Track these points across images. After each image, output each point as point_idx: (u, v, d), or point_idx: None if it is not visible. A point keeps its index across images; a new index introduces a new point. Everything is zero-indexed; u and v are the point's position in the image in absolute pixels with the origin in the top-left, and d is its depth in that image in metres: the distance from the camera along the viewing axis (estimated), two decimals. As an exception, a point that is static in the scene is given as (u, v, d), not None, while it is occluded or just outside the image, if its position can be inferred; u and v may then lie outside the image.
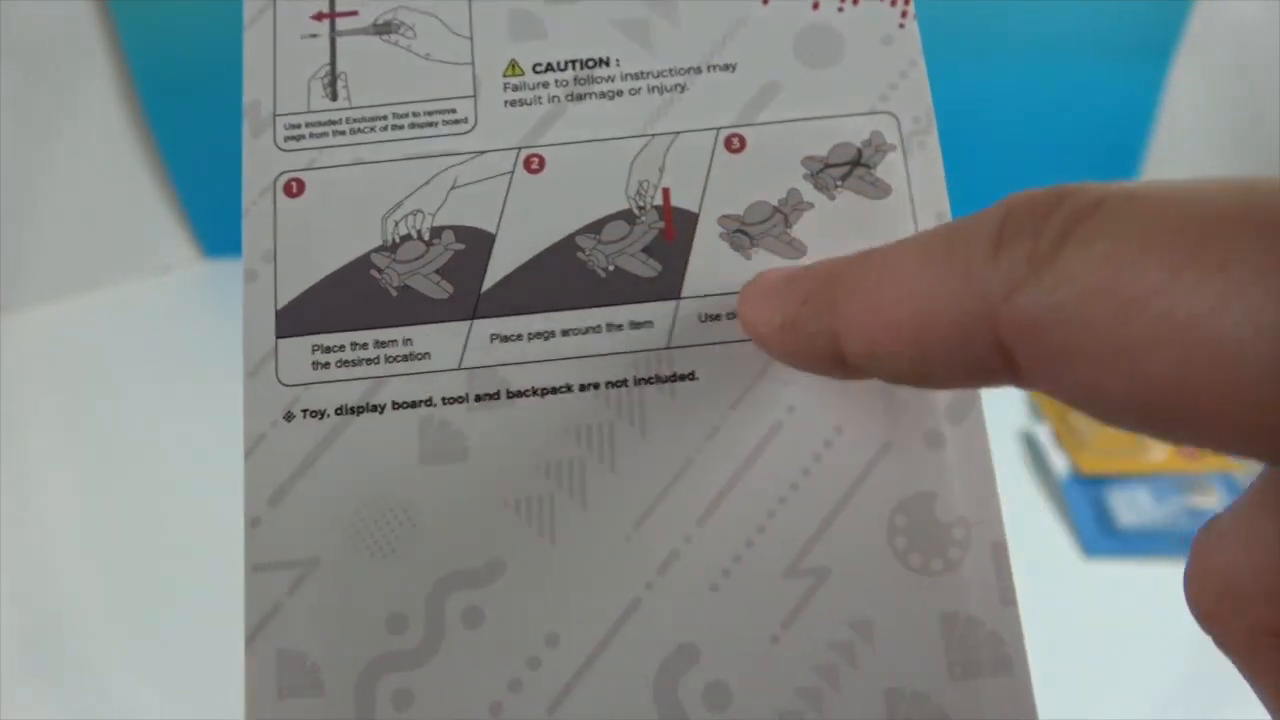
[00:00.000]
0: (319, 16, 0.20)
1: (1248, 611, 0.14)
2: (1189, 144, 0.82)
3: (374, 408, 0.18)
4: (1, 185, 0.60)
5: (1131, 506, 0.54)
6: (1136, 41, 0.76)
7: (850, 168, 0.19)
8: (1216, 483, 0.55)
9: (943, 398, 0.18)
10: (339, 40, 0.20)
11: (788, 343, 0.16)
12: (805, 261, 0.19)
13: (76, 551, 0.52)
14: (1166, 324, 0.10)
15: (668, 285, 0.19)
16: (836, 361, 0.15)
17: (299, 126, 0.19)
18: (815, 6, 0.20)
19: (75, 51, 0.63)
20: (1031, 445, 0.60)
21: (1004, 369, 0.13)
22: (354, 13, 0.20)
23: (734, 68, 0.20)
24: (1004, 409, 0.62)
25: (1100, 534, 0.54)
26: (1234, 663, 0.14)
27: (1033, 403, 0.63)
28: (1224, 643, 0.14)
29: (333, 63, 0.20)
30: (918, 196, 0.19)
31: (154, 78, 0.69)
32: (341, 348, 0.18)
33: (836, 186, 0.19)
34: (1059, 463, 0.58)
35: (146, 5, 0.67)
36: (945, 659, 0.17)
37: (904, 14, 0.20)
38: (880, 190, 0.19)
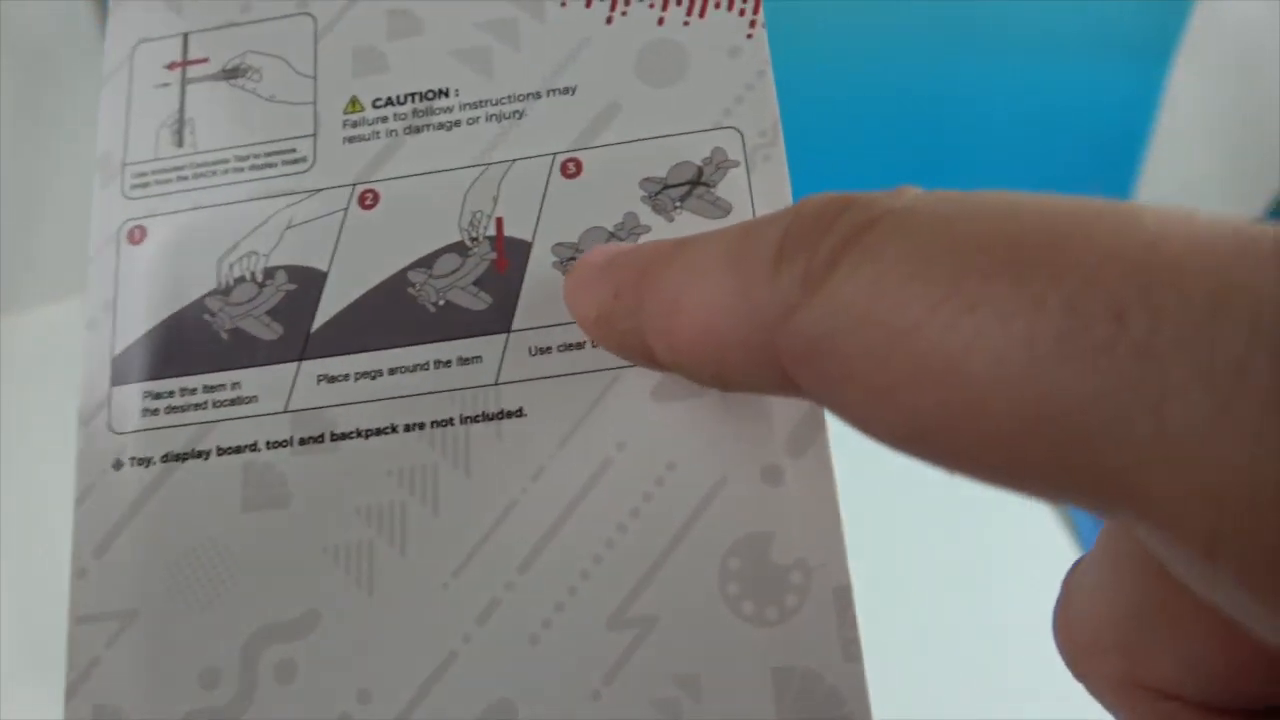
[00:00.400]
0: (172, 66, 0.20)
1: (1108, 661, 0.13)
2: (1189, 144, 0.80)
3: (199, 454, 0.18)
4: (1, 185, 0.62)
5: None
6: (1136, 41, 0.76)
7: (690, 187, 0.18)
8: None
9: (782, 428, 0.17)
10: (189, 87, 0.20)
11: (603, 337, 0.16)
12: None
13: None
14: (925, 363, 0.10)
15: (498, 318, 0.18)
16: (650, 359, 0.14)
17: (145, 174, 0.20)
18: (660, 22, 0.19)
19: (75, 51, 0.64)
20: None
21: (792, 390, 0.12)
22: (205, 60, 0.20)
23: (574, 90, 0.19)
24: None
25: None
26: (1106, 711, 0.13)
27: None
28: (1092, 691, 0.13)
29: (181, 110, 0.20)
30: (761, 212, 0.18)
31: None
32: (172, 394, 0.18)
33: (675, 208, 0.18)
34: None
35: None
36: (777, 719, 0.16)
37: (752, 24, 0.19)
38: (720, 209, 0.18)
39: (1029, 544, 0.53)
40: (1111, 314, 0.09)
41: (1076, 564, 0.14)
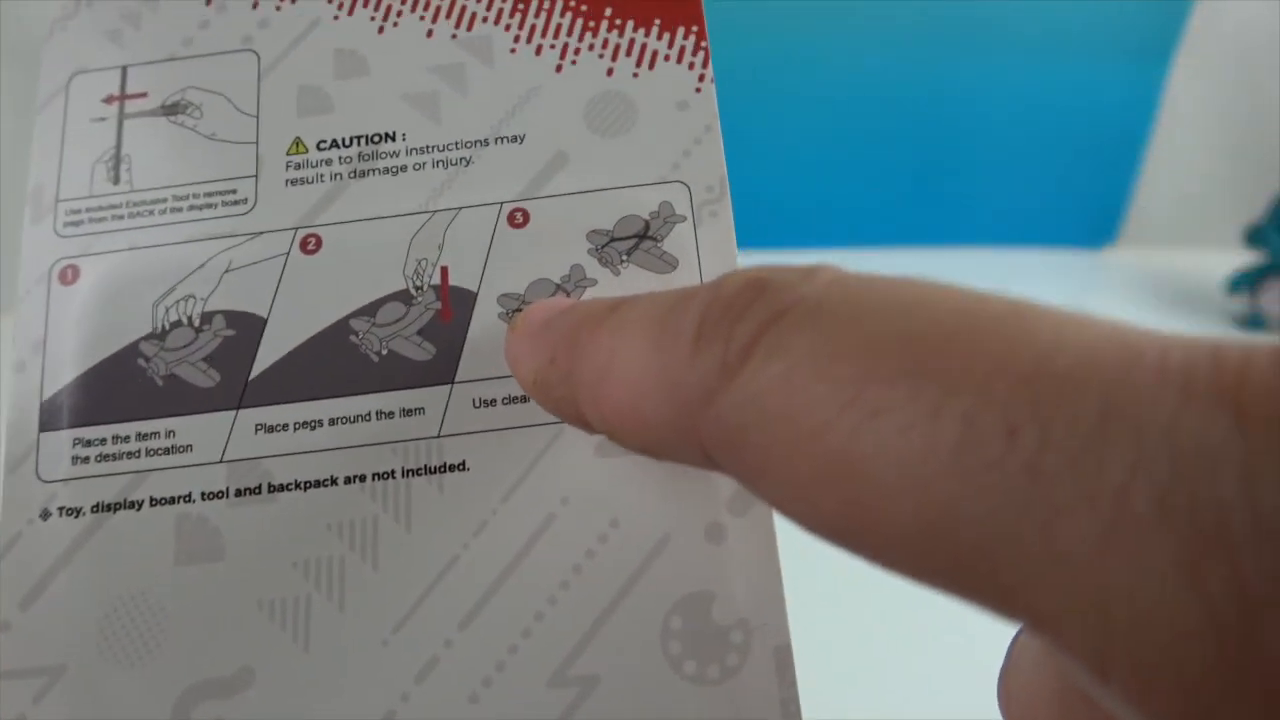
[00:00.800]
0: (109, 100, 0.20)
1: None
2: (1189, 144, 0.82)
3: (132, 504, 0.17)
4: (1, 185, 0.61)
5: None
6: (1136, 41, 0.77)
7: (637, 240, 0.18)
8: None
9: (726, 486, 0.17)
10: (126, 122, 0.20)
11: (540, 399, 0.15)
12: None
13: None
14: (833, 464, 0.10)
15: (442, 369, 0.18)
16: (585, 424, 0.14)
17: (79, 212, 0.19)
18: (609, 73, 0.19)
19: None
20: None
21: (716, 467, 0.12)
22: (143, 94, 0.20)
23: (522, 139, 0.19)
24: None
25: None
26: None
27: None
28: None
29: (118, 146, 0.19)
30: (707, 269, 0.18)
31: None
32: (103, 441, 0.18)
33: (622, 261, 0.18)
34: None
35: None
36: None
37: (701, 77, 0.19)
38: (667, 264, 0.18)
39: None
40: (1004, 430, 0.09)
41: (1015, 638, 0.14)
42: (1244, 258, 0.78)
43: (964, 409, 0.09)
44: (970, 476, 0.09)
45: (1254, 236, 0.77)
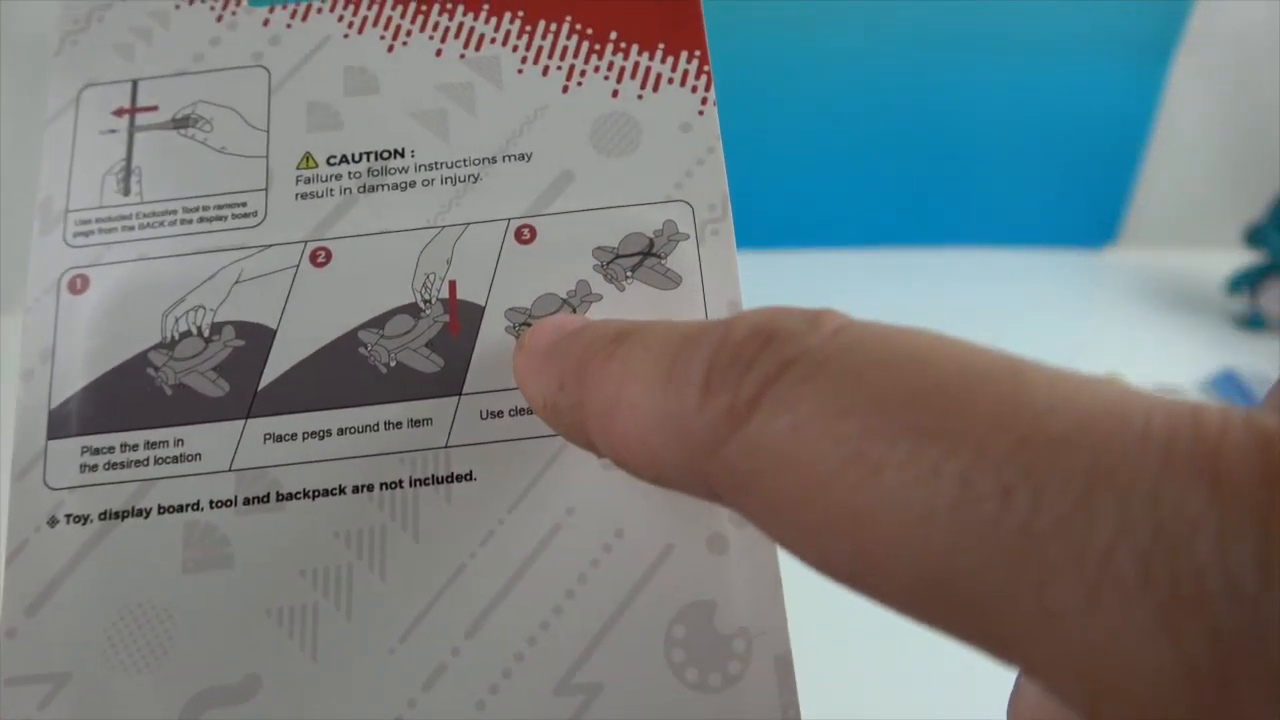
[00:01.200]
0: (119, 112, 0.20)
1: None
2: (1189, 144, 0.82)
3: (139, 512, 0.18)
4: (1, 185, 0.61)
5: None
6: (1136, 41, 0.77)
7: (641, 258, 0.18)
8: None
9: None
10: (137, 135, 0.20)
11: (550, 422, 0.16)
12: None
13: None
14: (839, 514, 0.10)
15: (449, 381, 0.18)
16: (594, 450, 0.15)
17: (89, 222, 0.19)
18: (615, 94, 0.19)
19: None
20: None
21: (725, 504, 0.12)
22: (154, 108, 0.20)
23: (529, 157, 0.19)
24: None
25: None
26: None
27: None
28: None
29: (128, 158, 0.20)
30: (709, 286, 0.18)
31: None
32: (111, 449, 0.18)
33: (627, 278, 0.18)
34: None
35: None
36: None
37: (704, 100, 0.19)
38: (671, 280, 0.18)
39: None
40: (1000, 490, 0.09)
41: None
42: (1244, 258, 0.78)
43: (961, 469, 0.09)
44: (967, 533, 0.09)
45: (1254, 236, 0.78)
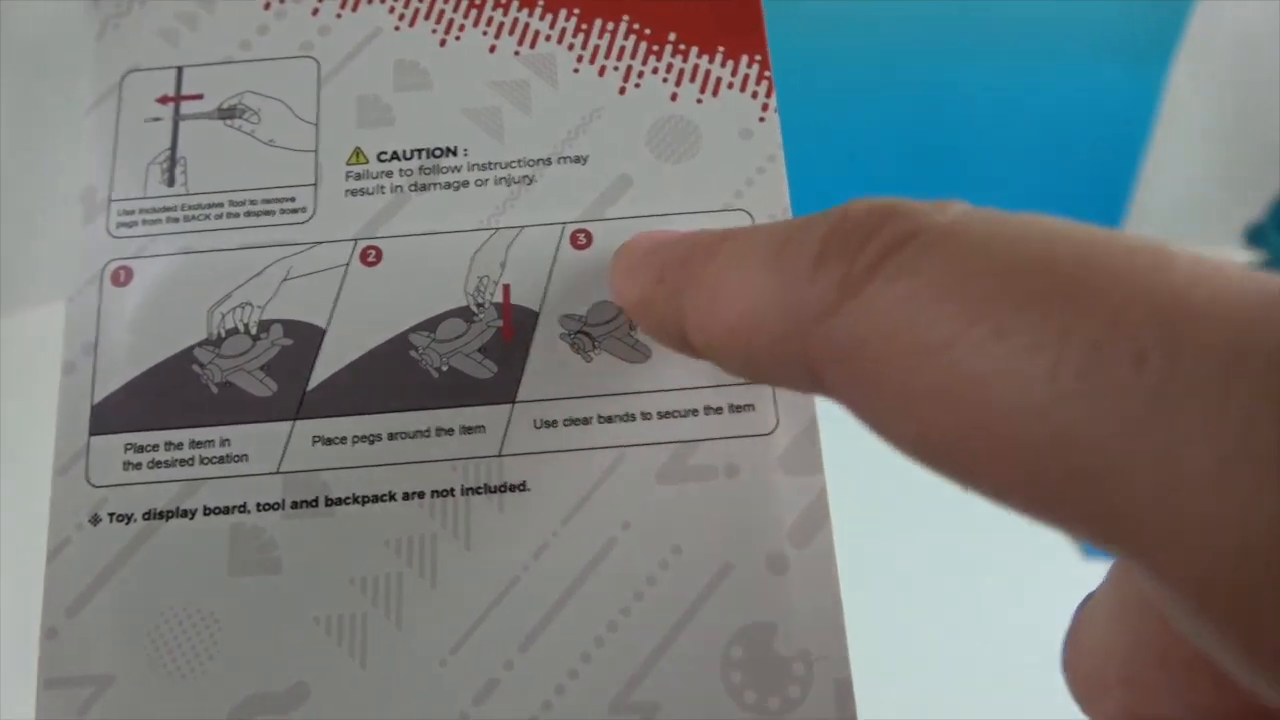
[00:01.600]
0: (164, 100, 0.19)
1: (1112, 696, 0.13)
2: (1189, 144, 0.82)
3: (184, 513, 0.17)
4: (1, 185, 0.60)
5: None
6: (1136, 42, 0.77)
7: None
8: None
9: (787, 517, 0.17)
10: (182, 124, 0.19)
11: (643, 319, 0.16)
12: (649, 364, 0.18)
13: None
14: (952, 380, 0.10)
15: (503, 388, 0.18)
16: (684, 344, 0.15)
17: (133, 213, 0.19)
18: (673, 98, 0.19)
19: (75, 52, 0.62)
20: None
21: (818, 388, 0.12)
22: (199, 96, 0.19)
23: (585, 160, 0.19)
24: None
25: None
26: None
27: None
28: None
29: (173, 148, 0.19)
30: None
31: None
32: (155, 447, 0.18)
33: None
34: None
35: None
36: None
37: (765, 106, 0.19)
38: None
39: (1030, 543, 0.53)
40: (1132, 356, 0.09)
41: (1089, 596, 0.14)
42: (1244, 258, 0.79)
43: (1093, 334, 0.09)
44: (1093, 401, 0.09)
45: (1254, 236, 0.78)
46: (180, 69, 0.20)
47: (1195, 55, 0.76)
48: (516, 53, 0.19)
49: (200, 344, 0.18)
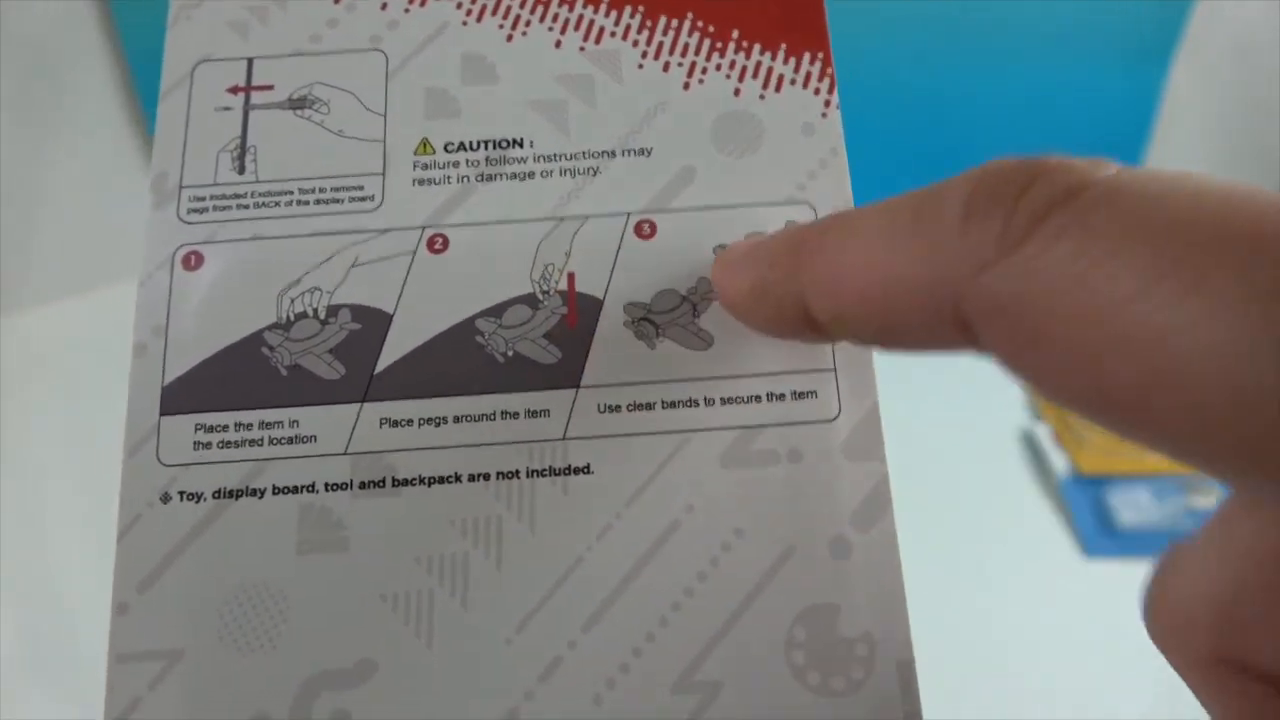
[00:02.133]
0: (234, 90, 0.20)
1: (1201, 639, 0.13)
2: (1189, 144, 0.82)
3: (253, 492, 0.18)
4: (1, 185, 0.60)
5: (1132, 506, 0.54)
6: (1136, 41, 0.77)
7: None
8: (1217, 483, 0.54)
9: (850, 502, 0.17)
10: (252, 114, 0.20)
11: (756, 307, 0.16)
12: (712, 352, 0.18)
13: (77, 551, 0.52)
14: (1136, 333, 0.10)
15: (567, 373, 0.18)
16: (806, 323, 0.15)
17: (203, 199, 0.19)
18: (736, 93, 0.20)
19: (75, 51, 0.63)
20: (1031, 445, 0.59)
21: (965, 341, 0.12)
22: (269, 87, 0.20)
23: (649, 152, 0.19)
24: (1004, 409, 0.61)
25: (1100, 534, 0.54)
26: (1190, 689, 0.14)
27: (1033, 403, 0.62)
28: (1179, 669, 0.14)
29: (243, 136, 0.19)
30: None
31: (154, 78, 0.69)
32: (225, 427, 0.18)
33: None
34: (1059, 462, 0.57)
35: (146, 5, 0.67)
36: None
37: (827, 103, 0.20)
38: None
39: (1029, 543, 0.54)
40: None
41: (1174, 546, 0.15)
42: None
43: None
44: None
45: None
46: (251, 60, 0.20)
47: (1195, 55, 0.75)
48: (582, 48, 0.20)
49: (270, 327, 0.18)
